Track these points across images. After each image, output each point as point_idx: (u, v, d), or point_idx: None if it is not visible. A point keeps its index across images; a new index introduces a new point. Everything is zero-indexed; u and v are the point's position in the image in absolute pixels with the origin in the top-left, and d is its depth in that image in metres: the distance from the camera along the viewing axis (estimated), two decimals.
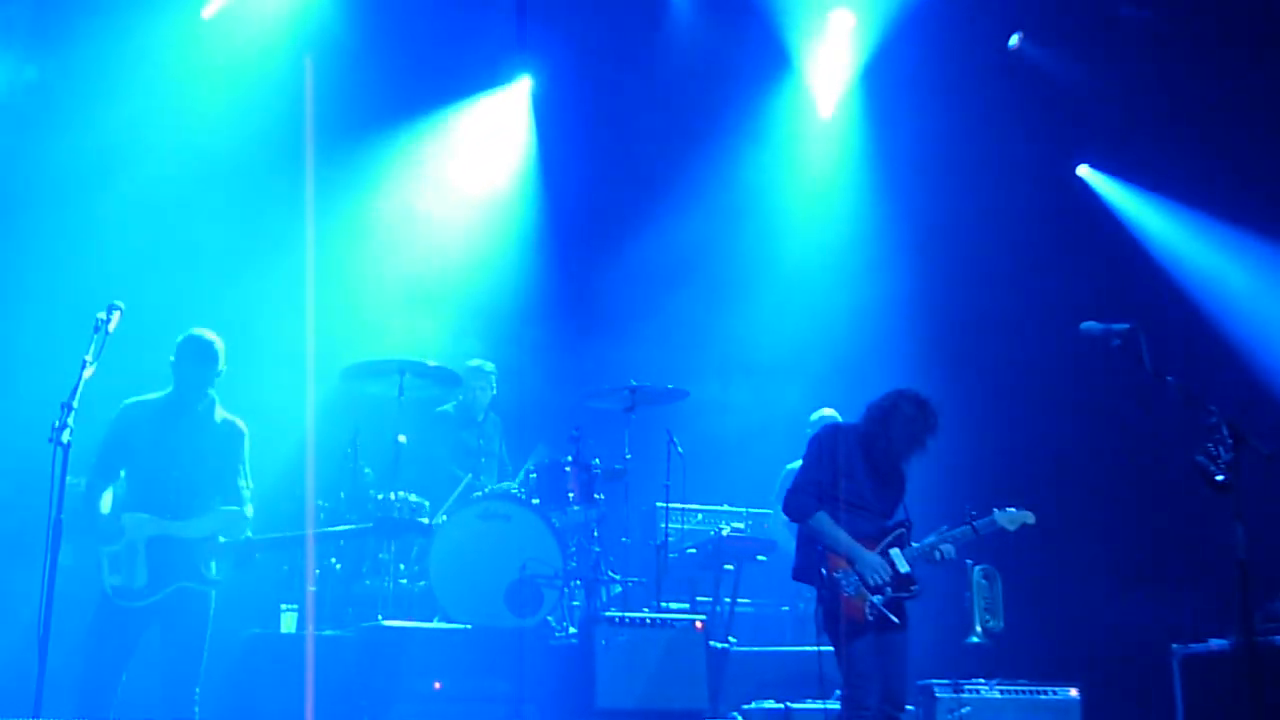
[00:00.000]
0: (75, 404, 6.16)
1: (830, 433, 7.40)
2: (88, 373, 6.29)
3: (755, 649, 9.87)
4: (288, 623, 9.07)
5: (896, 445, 7.21)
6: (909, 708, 7.59)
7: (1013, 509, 7.48)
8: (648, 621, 8.86)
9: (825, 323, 12.09)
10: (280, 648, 8.58)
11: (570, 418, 10.55)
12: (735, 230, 12.36)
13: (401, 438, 9.47)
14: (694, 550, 10.67)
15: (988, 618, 9.54)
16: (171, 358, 7.31)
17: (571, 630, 9.22)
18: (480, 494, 9.70)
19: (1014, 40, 12.83)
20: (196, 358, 7.27)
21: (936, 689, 8.84)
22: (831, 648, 7.16)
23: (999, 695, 8.92)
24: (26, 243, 9.96)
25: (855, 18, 12.81)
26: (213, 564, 7.22)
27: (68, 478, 6.10)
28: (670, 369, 11.01)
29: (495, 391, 10.74)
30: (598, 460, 9.98)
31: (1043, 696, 8.99)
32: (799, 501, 7.19)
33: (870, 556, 7.09)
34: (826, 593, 7.11)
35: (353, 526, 8.57)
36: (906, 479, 7.40)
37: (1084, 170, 12.96)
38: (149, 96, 10.56)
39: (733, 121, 12.61)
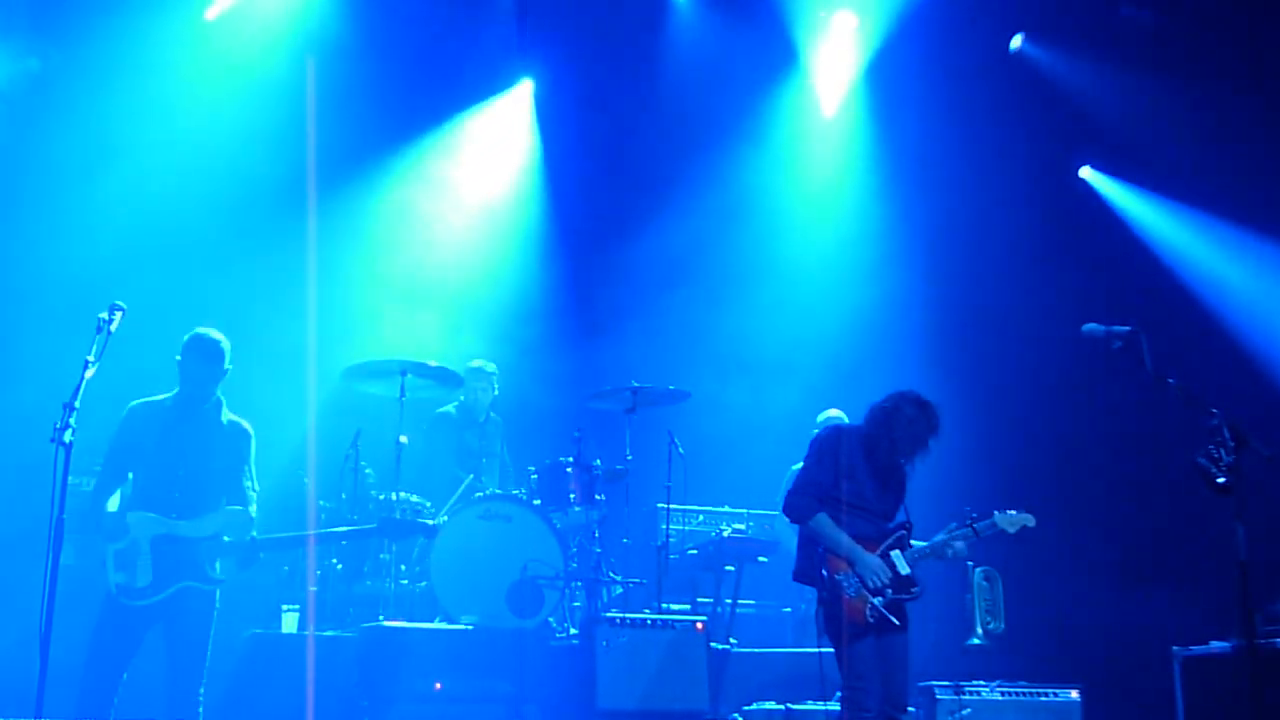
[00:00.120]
0: (77, 404, 6.17)
1: (832, 434, 7.40)
2: (89, 373, 6.30)
3: (756, 650, 9.86)
4: (289, 623, 9.08)
5: (898, 447, 7.21)
6: (910, 709, 7.59)
7: (1013, 511, 7.48)
8: (649, 622, 8.86)
9: (827, 324, 12.09)
10: (281, 648, 8.59)
11: (572, 419, 10.56)
12: (737, 231, 12.37)
13: (403, 438, 9.47)
14: (695, 551, 10.68)
15: (989, 619, 9.54)
16: (178, 357, 7.32)
17: (572, 631, 9.22)
18: (481, 495, 9.70)
19: (1016, 42, 12.85)
20: (203, 356, 7.28)
21: (937, 690, 8.84)
22: (832, 649, 7.15)
23: (1000, 697, 8.93)
24: (27, 243, 9.97)
25: (858, 19, 12.83)
26: (217, 563, 7.23)
27: (69, 477, 6.10)
28: (672, 370, 11.01)
29: (497, 392, 10.74)
30: (599, 461, 9.99)
31: (1043, 698, 8.99)
32: (799, 503, 7.18)
33: (871, 558, 7.09)
34: (827, 594, 7.11)
35: (357, 526, 8.56)
36: (908, 481, 7.40)
37: (1086, 171, 12.97)
38: (150, 96, 10.59)
39: (734, 122, 12.62)
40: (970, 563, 9.30)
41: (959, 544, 7.36)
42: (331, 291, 10.88)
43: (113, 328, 6.49)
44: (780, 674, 9.39)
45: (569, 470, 9.83)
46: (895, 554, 7.19)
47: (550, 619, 9.24)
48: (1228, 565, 5.93)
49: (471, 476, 10.00)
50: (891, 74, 12.75)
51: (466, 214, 12.26)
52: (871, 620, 7.03)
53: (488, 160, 12.52)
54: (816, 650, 7.43)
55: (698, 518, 11.23)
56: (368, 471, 9.69)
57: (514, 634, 8.83)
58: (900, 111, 12.77)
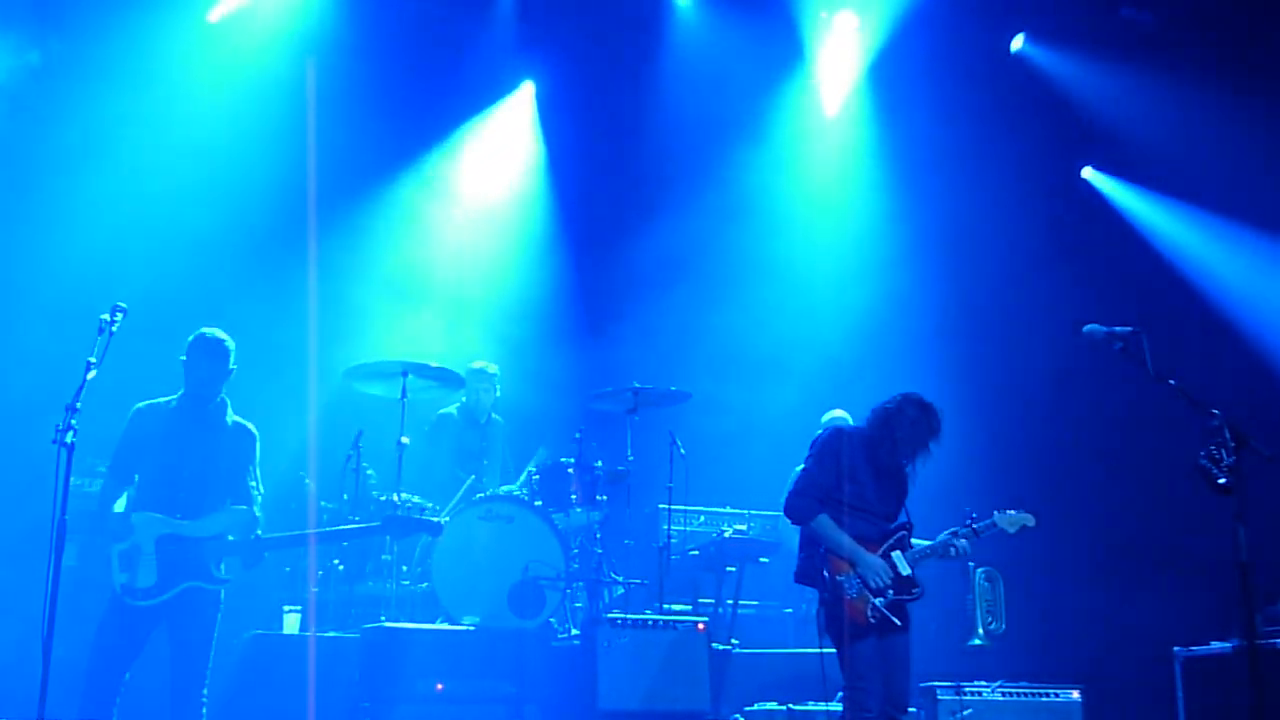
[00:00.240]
0: (79, 405, 6.18)
1: (834, 436, 7.39)
2: (91, 374, 6.31)
3: (757, 651, 9.87)
4: (290, 624, 9.09)
5: (900, 448, 7.21)
6: (911, 709, 7.59)
7: (1013, 511, 7.48)
8: (650, 623, 8.86)
9: (829, 324, 12.09)
10: (283, 649, 8.59)
11: (573, 420, 10.57)
12: (739, 231, 12.37)
13: (404, 439, 9.47)
14: (696, 552, 10.68)
15: (990, 620, 9.55)
16: (182, 357, 7.33)
17: (574, 632, 9.23)
18: (483, 495, 9.70)
19: (1017, 43, 12.86)
20: (208, 356, 7.29)
21: (939, 691, 8.85)
22: (834, 649, 7.16)
23: (1001, 697, 8.93)
24: (27, 242, 9.98)
25: (859, 19, 12.83)
26: (222, 563, 7.23)
27: (72, 479, 6.11)
28: (673, 370, 11.02)
29: (499, 393, 10.74)
30: (600, 462, 10.00)
31: (1045, 698, 9.00)
32: (801, 504, 7.18)
33: (872, 559, 7.10)
34: (829, 595, 7.11)
35: (361, 524, 8.55)
36: (909, 482, 7.40)
37: (1088, 172, 12.97)
38: (151, 96, 10.59)
39: (736, 122, 12.61)
40: (971, 563, 9.31)
41: (961, 543, 7.37)
42: (332, 292, 10.88)
43: (114, 329, 6.51)
44: (782, 675, 9.39)
45: (570, 471, 9.84)
46: (896, 554, 7.19)
47: (552, 620, 9.24)
48: (1228, 566, 5.94)
49: (473, 477, 10.01)
50: (893, 74, 12.76)
51: (468, 214, 12.28)
52: (873, 621, 7.03)
53: (489, 161, 12.54)
54: (818, 651, 7.43)
55: (699, 518, 11.24)
56: (369, 472, 9.70)
57: (515, 635, 8.84)
58: (902, 112, 12.77)
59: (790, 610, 11.05)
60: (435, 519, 8.37)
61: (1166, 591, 10.86)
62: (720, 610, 10.41)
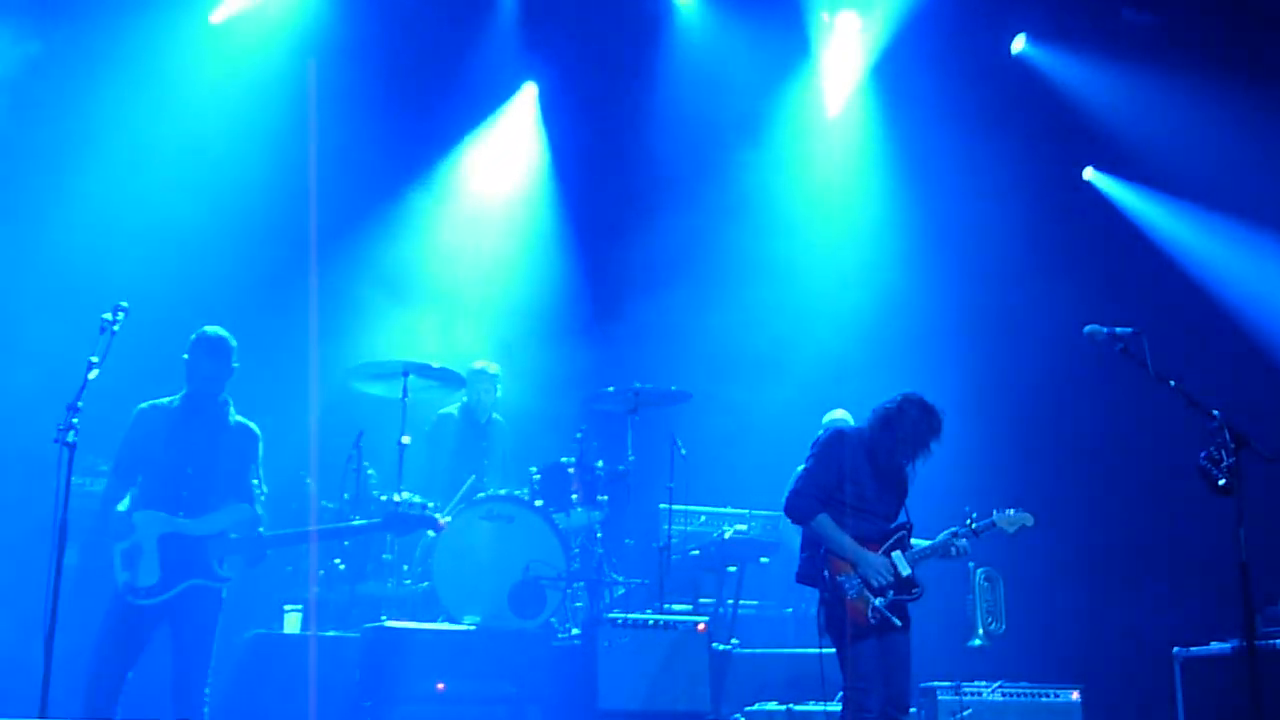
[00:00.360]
0: (81, 404, 6.19)
1: (835, 436, 7.39)
2: (93, 373, 6.32)
3: (758, 651, 9.88)
4: (291, 623, 9.09)
5: (901, 448, 7.22)
6: (911, 710, 7.60)
7: (1012, 511, 7.49)
8: (651, 623, 8.87)
9: (831, 324, 12.08)
10: (284, 648, 8.60)
11: (574, 419, 10.57)
12: (741, 231, 12.35)
13: (405, 439, 9.48)
14: (697, 552, 10.68)
15: (990, 620, 9.55)
16: (185, 356, 7.33)
17: (574, 631, 9.23)
18: (484, 495, 9.71)
19: (1018, 44, 12.87)
20: (211, 354, 7.30)
21: (939, 691, 8.85)
22: (834, 650, 7.17)
23: (1001, 697, 8.94)
24: (26, 241, 9.98)
25: (861, 20, 12.84)
26: (224, 561, 7.23)
27: (73, 478, 6.12)
28: (674, 370, 11.02)
29: (500, 394, 10.74)
30: (601, 462, 10.00)
31: (1044, 699, 9.01)
32: (801, 504, 7.20)
33: (873, 559, 7.11)
34: (829, 595, 7.13)
35: (363, 521, 8.55)
36: (909, 482, 7.41)
37: (1089, 173, 12.98)
38: (152, 95, 10.60)
39: (738, 122, 12.60)
40: (971, 563, 9.31)
41: (961, 543, 7.38)
42: (334, 292, 10.89)
43: (116, 328, 6.53)
44: (782, 675, 9.40)
45: (571, 471, 9.84)
46: (897, 555, 7.20)
47: (552, 619, 9.24)
48: (1228, 566, 5.95)
49: (474, 477, 10.02)
50: (895, 75, 12.76)
51: (469, 214, 12.28)
52: (873, 621, 7.04)
53: (491, 162, 12.54)
54: (818, 651, 7.44)
55: (700, 518, 11.23)
56: (370, 472, 9.70)
57: (516, 634, 8.85)
58: (904, 112, 12.78)
59: (790, 610, 11.05)
60: (436, 515, 8.35)
61: (1166, 592, 10.88)
62: (721, 610, 10.42)
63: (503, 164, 12.61)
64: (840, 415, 10.25)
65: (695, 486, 10.64)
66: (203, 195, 10.56)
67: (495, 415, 10.77)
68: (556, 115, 12.74)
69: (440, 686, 8.40)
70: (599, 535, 9.81)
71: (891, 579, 7.11)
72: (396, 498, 9.28)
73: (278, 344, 10.35)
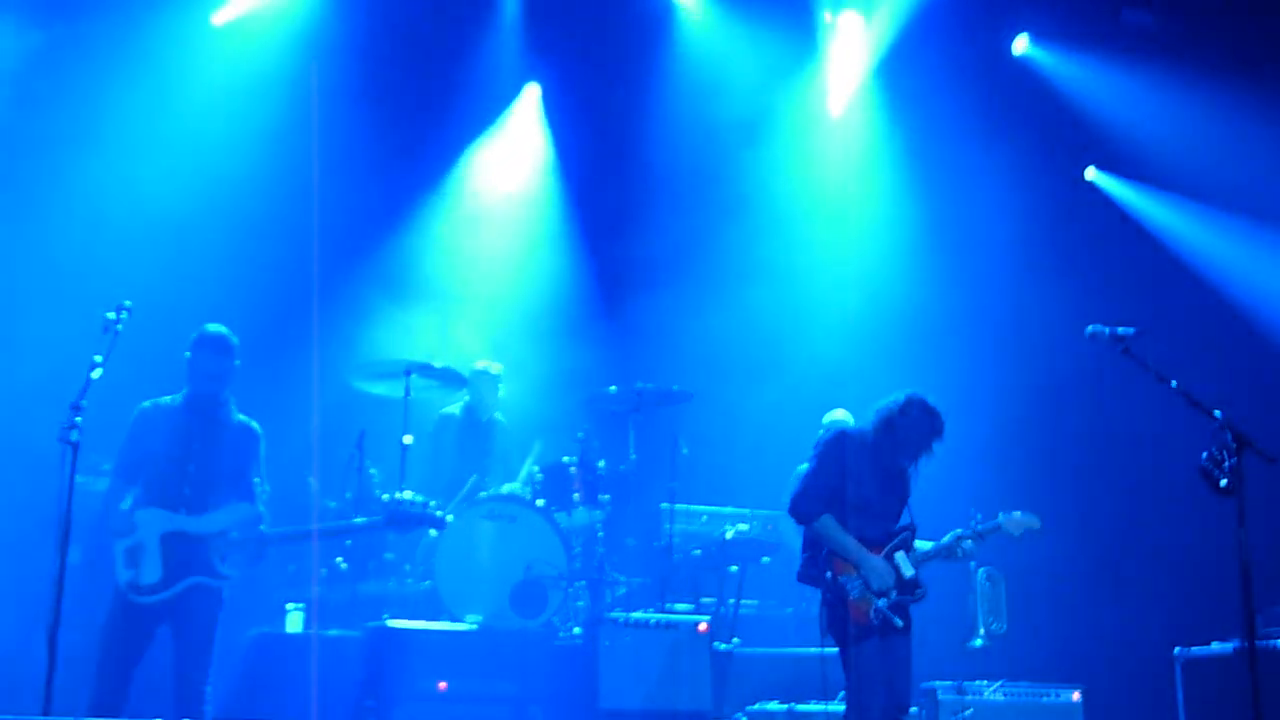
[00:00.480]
0: (84, 403, 6.20)
1: (838, 437, 7.39)
2: (97, 373, 6.34)
3: (759, 650, 9.88)
4: (293, 622, 9.10)
5: (903, 449, 7.23)
6: (912, 710, 7.61)
7: (1018, 513, 7.49)
8: (652, 623, 8.88)
9: (833, 325, 12.08)
10: (286, 648, 8.61)
11: (576, 419, 10.58)
12: (744, 231, 12.35)
13: (407, 439, 9.48)
14: (699, 552, 10.68)
15: (991, 620, 9.55)
16: (187, 354, 7.34)
17: (576, 631, 9.24)
18: (486, 495, 9.72)
19: (1019, 45, 12.88)
20: (213, 352, 7.31)
21: (940, 691, 8.85)
22: (836, 650, 7.17)
23: (1002, 697, 8.94)
24: (27, 241, 9.99)
25: (863, 20, 12.84)
26: (226, 559, 7.23)
27: (76, 476, 6.13)
28: (676, 370, 11.03)
29: (503, 393, 10.75)
30: (603, 462, 10.01)
31: (1045, 699, 9.01)
32: (804, 505, 7.20)
33: (875, 560, 7.11)
34: (831, 596, 7.14)
35: (365, 520, 8.55)
36: (912, 483, 7.41)
37: (1091, 172, 12.99)
38: (153, 95, 10.59)
39: (740, 121, 12.58)
40: (973, 563, 9.31)
41: (966, 544, 7.38)
42: (335, 292, 10.89)
43: (119, 327, 6.54)
44: (783, 675, 9.39)
45: (573, 470, 9.85)
46: (899, 556, 7.21)
47: (554, 619, 9.25)
48: (1229, 567, 5.96)
49: (476, 477, 10.02)
50: (897, 75, 12.76)
51: (472, 214, 12.28)
52: (875, 622, 7.05)
53: (494, 162, 12.54)
54: (820, 651, 7.44)
55: (701, 518, 11.23)
56: (372, 472, 9.70)
57: (518, 634, 8.86)
58: (906, 112, 12.78)
59: (790, 610, 11.05)
60: (438, 513, 8.34)
61: (1167, 592, 10.89)
62: (722, 610, 10.41)
63: (505, 164, 12.61)
64: (840, 415, 10.25)
65: (697, 486, 10.65)
66: (205, 195, 10.55)
67: (497, 415, 10.77)
68: (559, 116, 12.74)
69: (442, 686, 8.41)
70: (601, 535, 9.81)
71: (892, 581, 7.12)
72: (399, 497, 9.29)
73: (280, 343, 10.36)
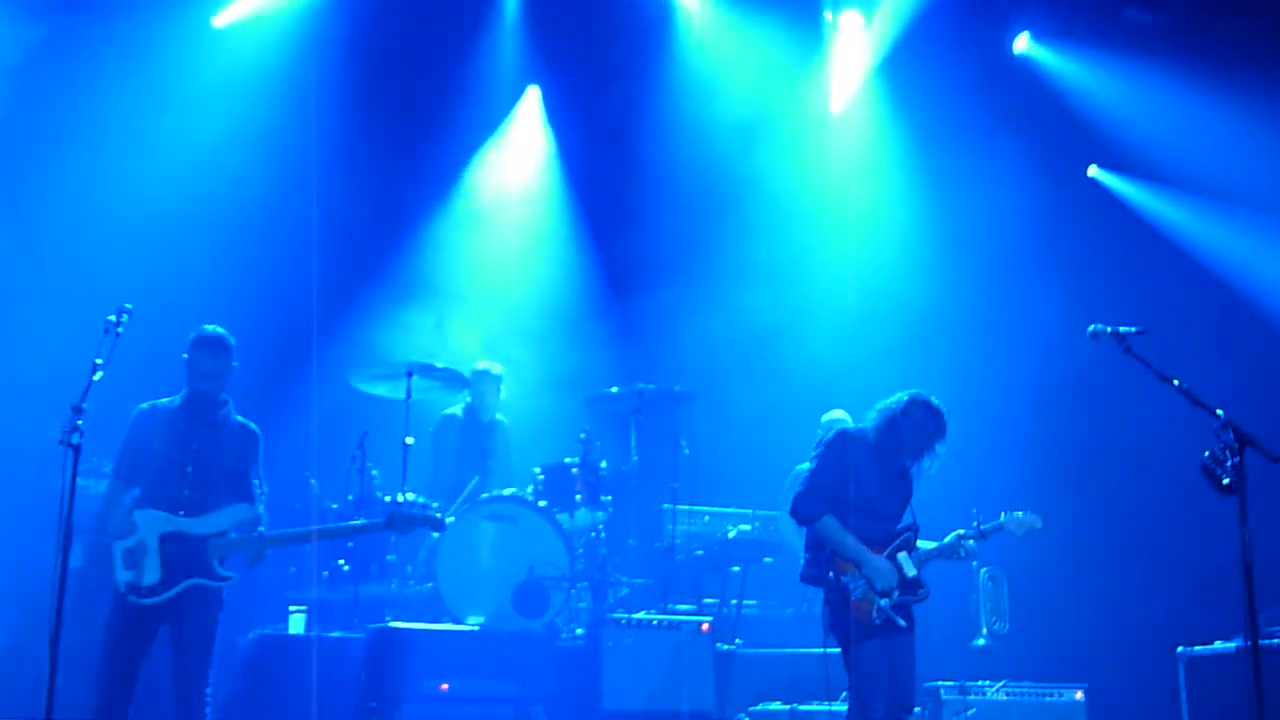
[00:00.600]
0: (85, 406, 6.20)
1: (840, 438, 7.36)
2: (98, 375, 6.33)
3: (762, 651, 9.88)
4: (295, 624, 9.10)
5: (905, 449, 7.21)
6: (916, 710, 7.60)
7: (1021, 513, 7.48)
8: (654, 623, 8.88)
9: (834, 324, 12.06)
10: (288, 649, 8.60)
11: (578, 420, 10.58)
12: (746, 231, 12.35)
13: (409, 440, 9.48)
14: (701, 552, 10.68)
15: (994, 620, 9.55)
16: (184, 355, 7.33)
17: (578, 632, 9.24)
18: (488, 496, 9.72)
19: (1020, 43, 12.88)
20: (211, 352, 7.29)
21: (943, 691, 8.85)
22: (839, 650, 7.17)
23: (1005, 697, 8.95)
24: (30, 242, 10.00)
25: (864, 19, 12.84)
26: (225, 560, 7.22)
27: (78, 480, 6.13)
28: (677, 370, 11.03)
29: (503, 394, 10.75)
30: (605, 462, 10.01)
31: (1048, 698, 9.01)
32: (806, 505, 7.19)
33: (878, 560, 7.10)
34: (834, 596, 7.13)
35: (364, 521, 8.54)
36: (915, 483, 7.40)
37: (1094, 170, 12.99)
38: (152, 94, 10.59)
39: (742, 120, 12.57)
40: (976, 563, 9.31)
41: (968, 544, 7.38)
42: (336, 292, 10.89)
43: (120, 330, 6.54)
44: (786, 675, 9.40)
45: (575, 471, 9.85)
46: (902, 556, 7.20)
47: (556, 620, 9.25)
48: (1232, 566, 5.95)
49: (478, 478, 10.02)
50: (898, 74, 12.76)
51: (474, 215, 12.30)
52: (878, 622, 7.04)
53: (495, 163, 12.55)
54: (823, 651, 7.43)
55: (703, 518, 11.23)
56: (374, 473, 9.70)
57: (520, 635, 8.86)
58: (907, 111, 12.77)
59: (790, 610, 11.05)
60: (438, 514, 8.33)
61: (1170, 591, 10.88)
62: (724, 610, 10.42)
63: (506, 166, 12.62)
64: (838, 415, 10.26)
65: (699, 486, 10.64)
66: (207, 196, 10.56)
67: (499, 416, 10.77)
68: (560, 117, 12.74)
69: (444, 687, 8.41)
70: (603, 535, 9.82)
71: (895, 581, 7.11)
72: (400, 498, 9.29)
73: (281, 344, 10.37)
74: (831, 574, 7.09)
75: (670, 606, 9.67)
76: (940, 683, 8.89)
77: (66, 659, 5.99)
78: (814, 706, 8.79)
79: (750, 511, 11.36)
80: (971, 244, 12.18)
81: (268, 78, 11.10)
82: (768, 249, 12.35)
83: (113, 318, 6.57)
